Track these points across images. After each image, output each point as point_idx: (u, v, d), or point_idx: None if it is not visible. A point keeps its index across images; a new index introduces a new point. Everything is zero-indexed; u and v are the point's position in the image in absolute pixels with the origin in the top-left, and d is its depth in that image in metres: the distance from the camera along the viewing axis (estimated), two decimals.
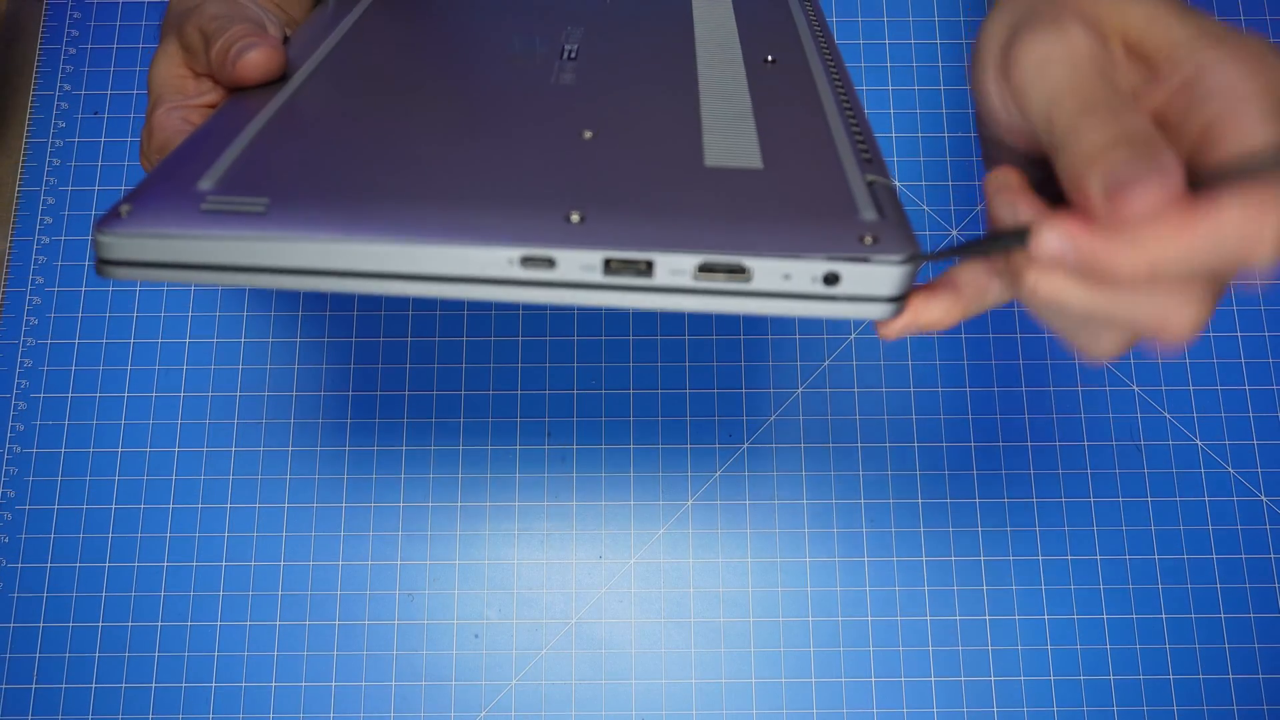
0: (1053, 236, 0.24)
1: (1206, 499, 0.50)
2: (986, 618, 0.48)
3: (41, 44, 0.57)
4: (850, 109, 0.35)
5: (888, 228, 0.28)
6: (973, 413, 0.51)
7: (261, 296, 0.53)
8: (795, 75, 0.37)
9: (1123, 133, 0.23)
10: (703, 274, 0.29)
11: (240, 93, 0.34)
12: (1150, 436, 0.51)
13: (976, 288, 0.29)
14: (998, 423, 0.51)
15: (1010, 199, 0.27)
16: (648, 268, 0.28)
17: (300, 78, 0.35)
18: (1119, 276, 0.24)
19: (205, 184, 0.28)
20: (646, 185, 0.30)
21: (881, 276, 0.28)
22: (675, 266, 0.28)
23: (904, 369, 0.52)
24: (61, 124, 0.55)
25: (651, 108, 0.34)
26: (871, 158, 0.32)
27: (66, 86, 0.56)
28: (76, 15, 0.57)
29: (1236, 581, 0.49)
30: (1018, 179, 0.27)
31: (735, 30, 0.40)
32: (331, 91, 0.34)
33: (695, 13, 0.42)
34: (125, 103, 0.56)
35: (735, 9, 0.42)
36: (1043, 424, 0.51)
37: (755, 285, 0.28)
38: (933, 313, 0.29)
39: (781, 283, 0.28)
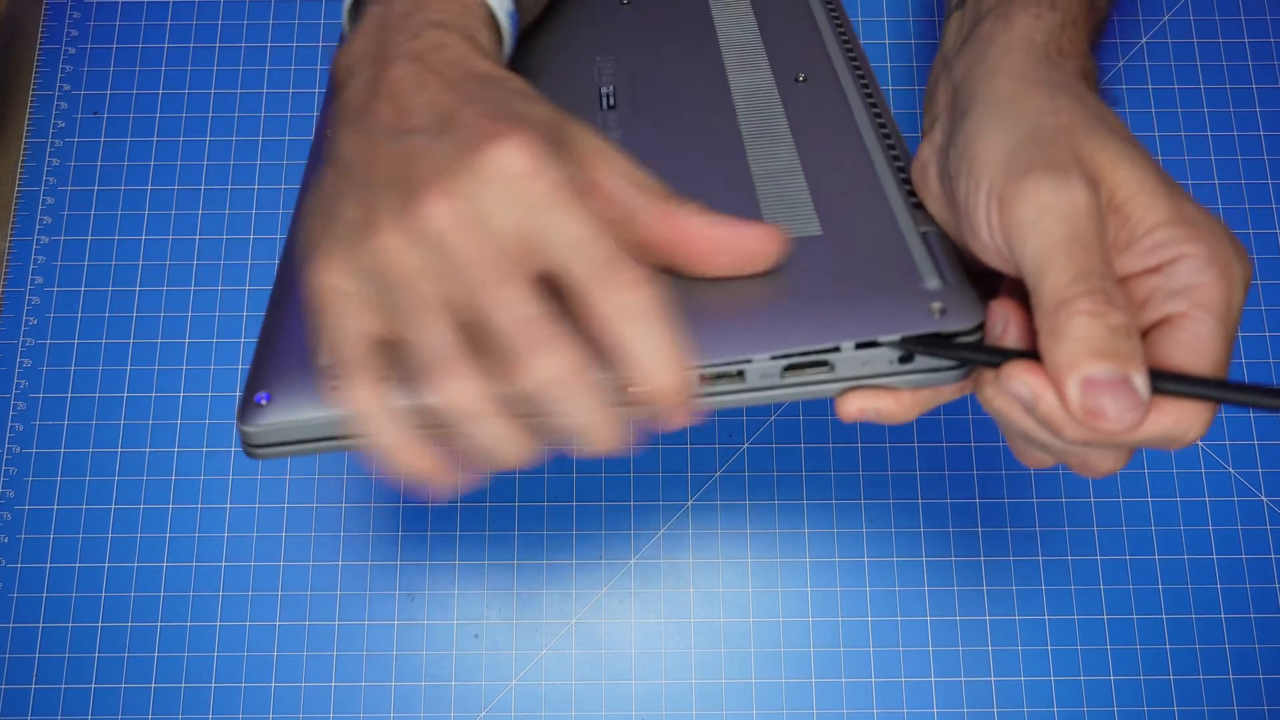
0: (1021, 385, 0.26)
1: (1207, 499, 0.50)
2: (987, 618, 0.48)
3: (41, 44, 0.57)
4: (886, 131, 0.35)
5: (952, 295, 0.29)
6: (973, 413, 0.51)
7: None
8: (828, 94, 0.36)
9: (1109, 333, 0.25)
10: (790, 372, 0.30)
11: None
12: None
13: (939, 391, 0.31)
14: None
15: (1003, 316, 0.29)
16: (739, 375, 0.29)
17: None
18: (1062, 435, 0.26)
19: (325, 359, 0.30)
20: (720, 284, 0.30)
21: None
22: (765, 371, 0.29)
23: None
24: (61, 124, 0.55)
25: (700, 170, 0.34)
26: (919, 200, 0.32)
27: (66, 86, 0.56)
28: (76, 15, 0.57)
29: (1237, 582, 0.49)
30: (1017, 311, 0.29)
31: (762, 46, 0.39)
32: None
33: (716, 23, 0.41)
34: (125, 103, 0.56)
35: (758, 19, 0.41)
36: None
37: (838, 374, 0.29)
38: (892, 408, 0.31)
39: (860, 368, 0.29)
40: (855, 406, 0.30)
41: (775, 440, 0.51)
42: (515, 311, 0.25)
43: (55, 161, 0.55)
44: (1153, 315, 0.27)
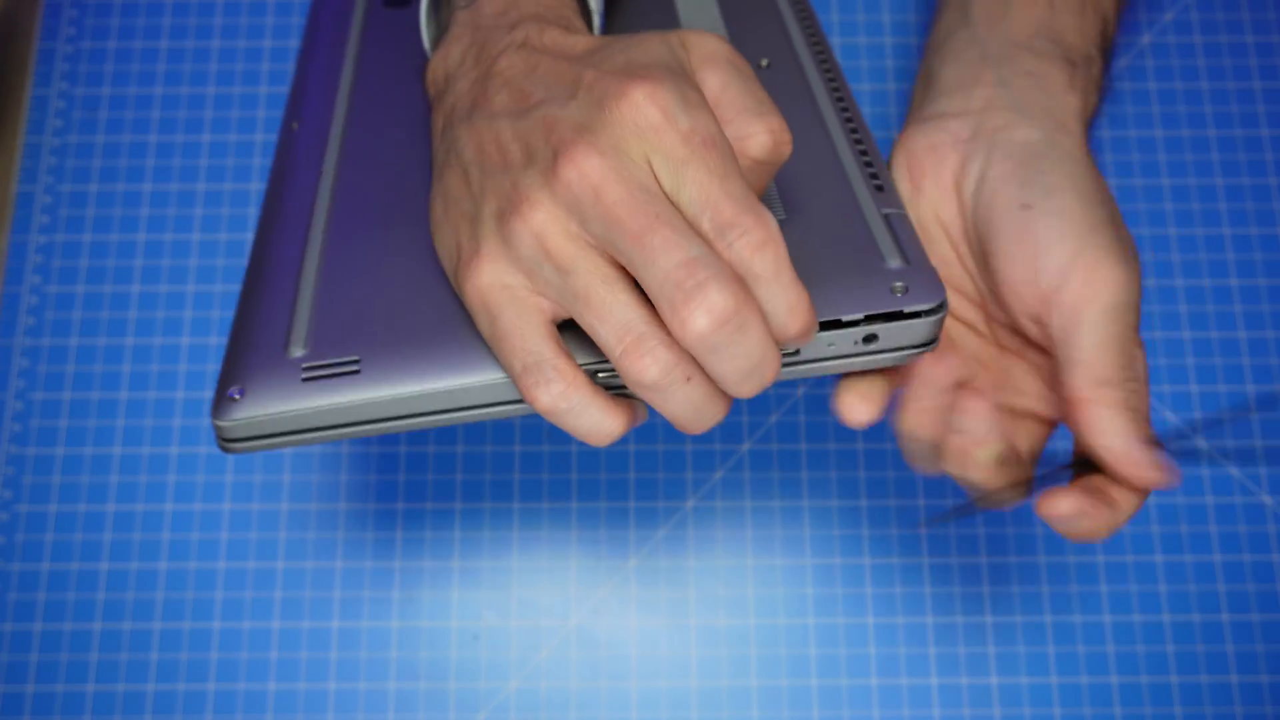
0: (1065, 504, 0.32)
1: (1209, 500, 0.49)
2: (988, 619, 0.48)
3: (38, 42, 0.57)
4: (849, 115, 0.35)
5: (914, 274, 0.30)
6: None
7: None
8: (791, 79, 0.37)
9: (1140, 415, 0.32)
10: None
11: (266, 243, 0.35)
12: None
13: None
14: None
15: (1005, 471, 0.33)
16: None
17: (323, 211, 0.35)
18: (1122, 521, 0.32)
19: (296, 351, 0.30)
20: None
21: (915, 329, 0.30)
22: None
23: None
24: (58, 123, 0.55)
25: None
26: (881, 183, 0.33)
27: (64, 85, 0.56)
28: (73, 14, 0.57)
29: (1239, 583, 0.49)
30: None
31: (725, 32, 0.40)
32: (366, 209, 0.34)
33: (679, 7, 0.41)
34: (122, 102, 0.56)
35: (721, 5, 0.41)
36: None
37: (802, 356, 0.30)
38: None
39: (825, 349, 0.30)
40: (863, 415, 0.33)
41: (776, 441, 0.51)
42: (684, 252, 0.24)
43: (53, 160, 0.55)
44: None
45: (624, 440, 0.51)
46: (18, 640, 0.48)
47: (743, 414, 0.51)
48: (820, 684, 0.48)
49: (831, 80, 0.37)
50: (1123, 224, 0.33)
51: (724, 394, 0.27)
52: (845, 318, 0.29)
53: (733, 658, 0.48)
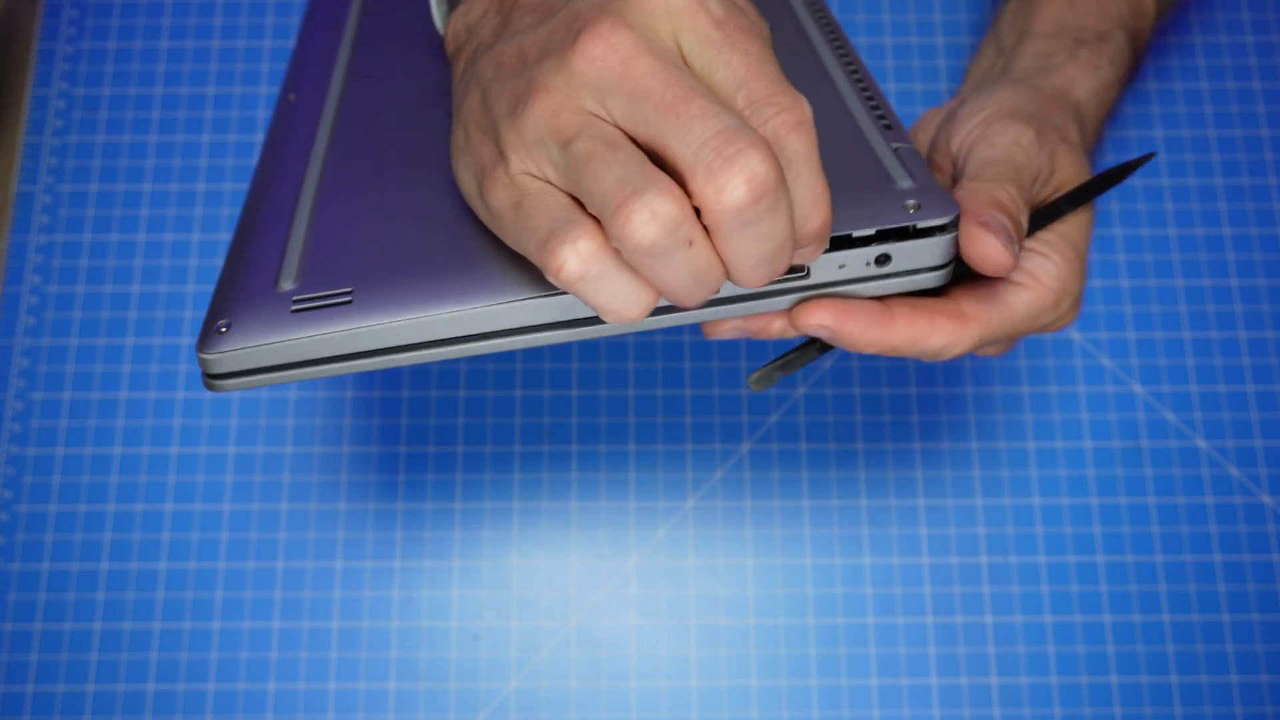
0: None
1: (1210, 500, 0.49)
2: (988, 620, 0.48)
3: (38, 42, 0.57)
4: (852, 64, 0.35)
5: (926, 193, 0.29)
6: (975, 414, 0.51)
7: None
8: (794, 42, 0.37)
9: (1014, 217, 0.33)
10: None
11: (264, 181, 0.34)
12: (1153, 438, 0.50)
13: (891, 327, 0.34)
14: (1000, 424, 0.51)
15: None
16: None
17: (318, 160, 0.35)
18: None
19: (287, 284, 0.29)
20: None
21: (929, 249, 0.29)
22: None
23: (905, 370, 0.51)
24: (59, 123, 0.55)
25: None
26: (889, 123, 0.32)
27: (64, 85, 0.56)
28: (74, 14, 0.57)
29: (1239, 583, 0.48)
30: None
31: None
32: (361, 158, 0.34)
33: None
34: (122, 102, 0.56)
35: None
36: (1045, 425, 0.51)
37: (814, 279, 0.30)
38: (850, 327, 0.33)
39: (837, 272, 0.30)
40: (815, 320, 0.31)
41: (776, 441, 0.51)
42: (722, 121, 0.23)
43: (53, 161, 0.55)
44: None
45: (624, 440, 0.51)
46: (18, 640, 0.48)
47: (743, 414, 0.51)
48: (820, 684, 0.48)
49: (828, 28, 0.37)
50: (1070, 135, 0.36)
51: (724, 263, 0.25)
52: (858, 233, 0.28)
53: (732, 658, 0.48)
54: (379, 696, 0.48)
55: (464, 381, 0.51)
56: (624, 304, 0.25)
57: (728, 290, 0.30)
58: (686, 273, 0.24)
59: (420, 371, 0.51)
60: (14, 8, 0.57)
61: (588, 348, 0.52)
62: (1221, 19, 0.56)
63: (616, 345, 0.52)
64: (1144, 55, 0.43)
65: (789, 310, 0.31)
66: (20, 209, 0.54)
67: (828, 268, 0.29)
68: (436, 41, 0.38)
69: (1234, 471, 0.50)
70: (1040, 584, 0.49)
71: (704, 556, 0.49)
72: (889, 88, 0.56)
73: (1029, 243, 0.34)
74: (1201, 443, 0.50)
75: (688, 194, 0.23)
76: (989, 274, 0.31)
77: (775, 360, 0.32)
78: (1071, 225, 0.35)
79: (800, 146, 0.24)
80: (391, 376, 0.51)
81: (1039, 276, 0.33)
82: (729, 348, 0.52)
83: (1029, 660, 0.48)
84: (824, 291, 0.30)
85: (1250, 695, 0.47)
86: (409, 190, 0.32)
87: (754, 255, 0.24)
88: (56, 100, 0.56)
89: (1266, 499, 0.49)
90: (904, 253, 0.29)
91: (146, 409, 0.51)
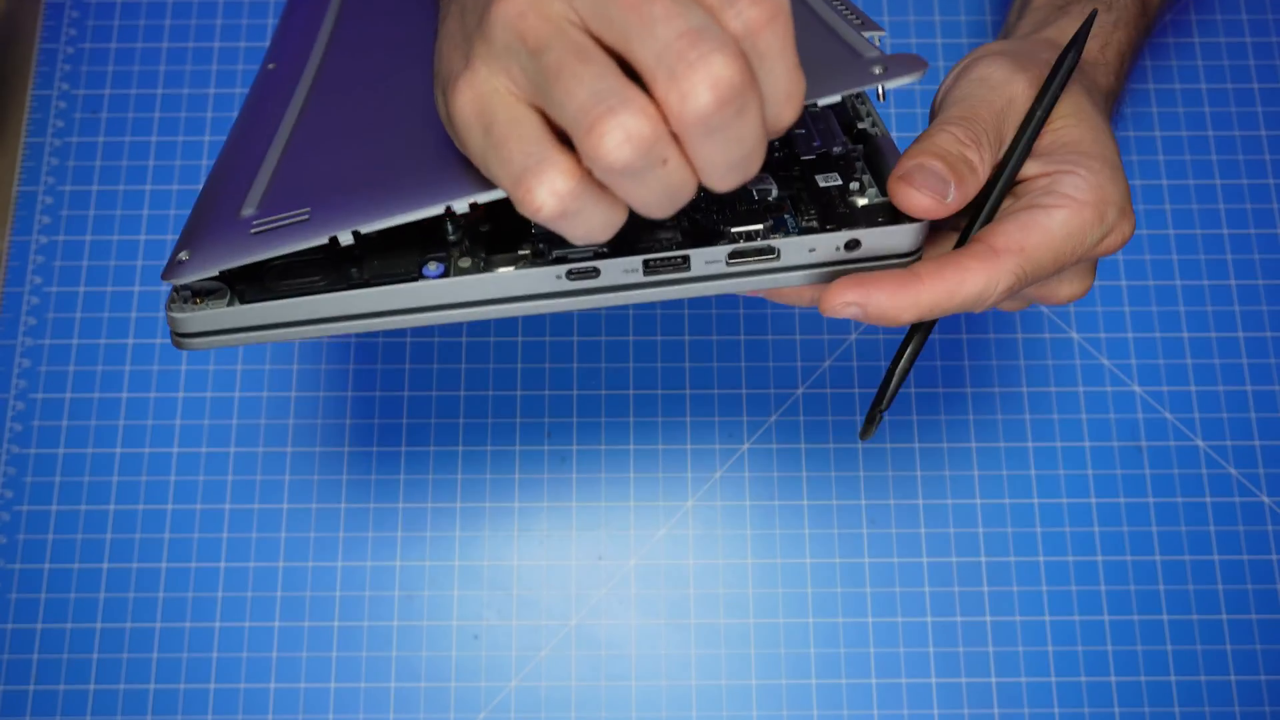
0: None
1: (1208, 500, 0.50)
2: (988, 619, 0.48)
3: (40, 43, 0.57)
4: None
5: (893, 60, 0.29)
6: (974, 413, 0.51)
7: None
8: None
9: (959, 154, 0.32)
10: (734, 260, 0.30)
11: (236, 136, 0.35)
12: (1152, 438, 0.50)
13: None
14: (999, 424, 0.51)
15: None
16: (684, 262, 0.30)
17: (298, 105, 0.35)
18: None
19: (248, 211, 0.29)
20: None
21: (897, 235, 0.30)
22: (710, 257, 0.30)
23: None
24: (59, 124, 0.55)
25: None
26: (860, 20, 0.32)
27: (65, 86, 0.56)
28: (75, 14, 0.57)
29: (1238, 583, 0.49)
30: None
31: None
32: (338, 107, 0.34)
33: None
34: (123, 102, 0.56)
35: None
36: (1044, 425, 0.51)
37: (784, 261, 0.30)
38: (883, 303, 0.32)
39: (808, 255, 0.30)
40: (840, 300, 0.30)
41: (776, 441, 0.51)
42: (687, 21, 0.21)
43: (54, 161, 0.55)
44: (1024, 204, 0.32)
45: (624, 440, 0.51)
46: (19, 640, 0.48)
47: (743, 414, 0.51)
48: (820, 683, 0.48)
49: None
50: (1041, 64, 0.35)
51: (697, 177, 0.24)
52: (822, 101, 0.28)
53: (732, 657, 0.48)
54: (380, 696, 0.48)
55: (464, 381, 0.51)
56: (598, 229, 0.24)
57: (704, 270, 0.30)
58: (659, 189, 0.23)
59: (422, 372, 0.52)
60: (15, 9, 0.58)
61: (588, 348, 0.52)
62: (1220, 19, 0.57)
63: (617, 346, 0.52)
64: (1156, 14, 0.43)
65: (819, 299, 0.31)
66: (21, 209, 0.54)
67: (798, 250, 0.30)
68: (419, 17, 0.38)
69: (1233, 471, 0.50)
70: (1039, 583, 0.49)
71: (704, 556, 0.49)
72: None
73: (1048, 166, 0.33)
74: (1200, 443, 0.50)
75: (653, 99, 0.22)
76: (921, 217, 0.30)
77: (873, 407, 0.34)
78: (1089, 139, 0.33)
79: (774, 40, 0.23)
80: (393, 376, 0.52)
81: (1070, 194, 0.32)
82: (729, 348, 0.52)
83: (1028, 659, 0.48)
84: (793, 274, 0.30)
85: (1249, 694, 0.47)
86: (382, 128, 0.32)
87: (724, 161, 0.23)
88: (58, 101, 0.56)
89: (1266, 499, 0.50)
90: (873, 238, 0.30)
91: (148, 409, 0.51)
